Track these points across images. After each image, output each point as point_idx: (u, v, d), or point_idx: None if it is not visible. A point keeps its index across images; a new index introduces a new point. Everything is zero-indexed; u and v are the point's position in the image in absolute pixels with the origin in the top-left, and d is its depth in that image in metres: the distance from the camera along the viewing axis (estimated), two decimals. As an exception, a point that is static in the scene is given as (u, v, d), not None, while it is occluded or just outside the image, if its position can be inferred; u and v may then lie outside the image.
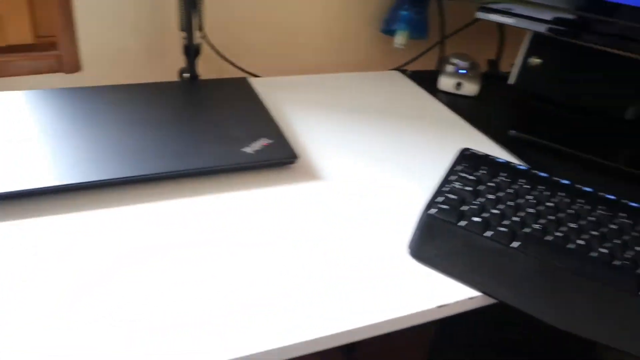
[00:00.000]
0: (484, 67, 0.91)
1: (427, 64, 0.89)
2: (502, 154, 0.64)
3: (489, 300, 0.45)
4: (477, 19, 0.71)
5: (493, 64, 0.90)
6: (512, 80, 0.77)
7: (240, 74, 0.80)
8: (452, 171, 0.54)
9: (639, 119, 0.72)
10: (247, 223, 0.48)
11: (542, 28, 0.68)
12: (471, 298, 0.44)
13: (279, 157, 0.56)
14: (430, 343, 1.05)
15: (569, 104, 0.74)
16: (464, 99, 0.79)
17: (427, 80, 0.82)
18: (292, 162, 0.58)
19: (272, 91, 0.74)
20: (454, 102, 0.77)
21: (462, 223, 0.48)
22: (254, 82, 0.76)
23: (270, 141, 0.58)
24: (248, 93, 0.69)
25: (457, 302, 0.43)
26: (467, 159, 0.56)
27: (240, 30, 0.79)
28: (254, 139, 0.58)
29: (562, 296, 0.43)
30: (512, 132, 0.68)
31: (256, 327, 0.38)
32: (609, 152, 0.69)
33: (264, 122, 0.62)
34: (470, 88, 0.79)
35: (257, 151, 0.56)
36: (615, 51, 0.70)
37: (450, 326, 0.97)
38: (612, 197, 0.52)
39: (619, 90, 0.72)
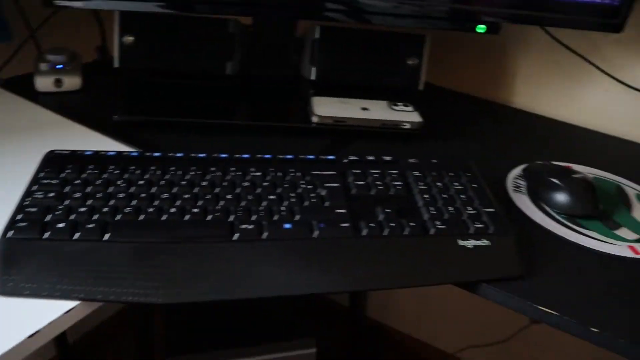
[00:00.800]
0: (92, 56, 0.86)
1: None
2: (110, 145, 0.61)
3: (93, 305, 0.41)
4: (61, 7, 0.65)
5: (101, 49, 0.86)
6: (116, 63, 0.73)
7: None
8: (34, 181, 0.49)
9: (241, 72, 0.76)
10: None
11: (117, 6, 0.65)
12: (68, 311, 0.40)
13: None
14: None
15: (173, 74, 0.74)
16: (69, 95, 0.73)
17: (26, 85, 0.73)
18: None
19: None
20: (56, 101, 0.71)
21: (47, 235, 0.43)
22: None
23: None
24: None
25: (50, 324, 0.39)
26: (52, 162, 0.51)
27: None
28: None
29: (166, 270, 0.42)
30: (116, 118, 0.64)
31: None
32: (222, 111, 0.71)
33: None
34: (71, 82, 0.73)
35: None
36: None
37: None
38: (203, 155, 0.53)
39: (215, 49, 0.74)
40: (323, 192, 0.50)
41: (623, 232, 0.58)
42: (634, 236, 0.57)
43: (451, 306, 1.19)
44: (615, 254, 0.54)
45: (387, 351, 1.27)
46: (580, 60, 0.82)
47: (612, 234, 0.57)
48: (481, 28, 0.68)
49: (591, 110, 0.84)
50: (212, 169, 0.51)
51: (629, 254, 0.54)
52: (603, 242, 0.55)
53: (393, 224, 0.47)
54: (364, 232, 0.46)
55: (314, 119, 0.65)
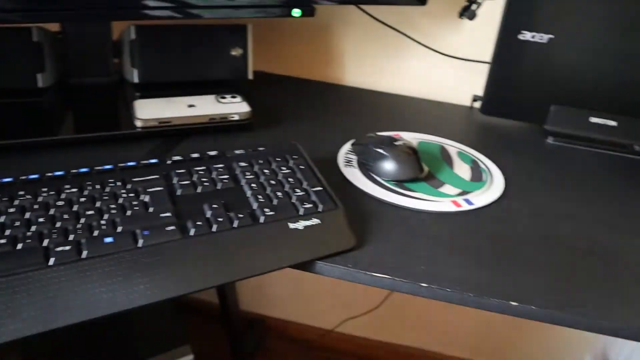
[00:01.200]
0: None
1: None
2: None
3: None
4: None
5: None
6: None
7: None
8: None
9: (58, 83, 0.71)
10: None
11: None
12: None
13: None
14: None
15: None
16: None
17: None
18: None
19: None
20: None
21: None
22: None
23: None
24: None
25: None
26: None
27: None
28: None
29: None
30: None
31: None
32: (36, 128, 0.65)
33: None
34: None
35: None
36: None
37: None
38: (9, 179, 0.48)
39: (18, 62, 0.68)
40: (146, 198, 0.48)
41: (447, 188, 0.62)
42: (456, 191, 0.62)
43: (322, 284, 1.22)
44: (441, 210, 0.58)
45: (270, 340, 1.28)
46: (398, 35, 0.86)
47: (436, 192, 0.61)
48: (297, 12, 0.69)
49: (414, 80, 0.90)
50: (21, 193, 0.47)
51: (452, 208, 0.59)
52: (429, 202, 0.59)
53: (221, 219, 0.47)
54: (192, 232, 0.45)
55: (138, 124, 0.63)
